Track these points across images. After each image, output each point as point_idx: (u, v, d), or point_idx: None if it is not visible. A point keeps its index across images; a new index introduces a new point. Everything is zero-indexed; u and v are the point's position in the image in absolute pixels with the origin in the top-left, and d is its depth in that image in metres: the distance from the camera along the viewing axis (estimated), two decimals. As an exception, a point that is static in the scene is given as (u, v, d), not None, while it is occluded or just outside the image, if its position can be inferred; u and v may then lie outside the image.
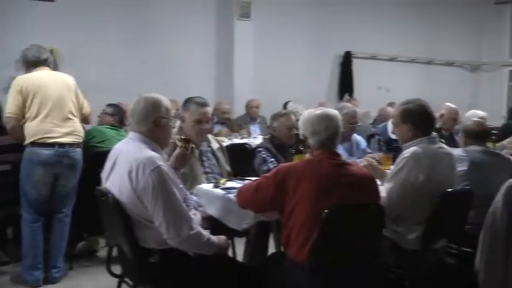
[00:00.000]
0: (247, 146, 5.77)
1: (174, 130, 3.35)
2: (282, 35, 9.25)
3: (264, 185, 2.76)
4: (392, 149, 4.30)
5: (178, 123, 3.82)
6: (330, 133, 2.82)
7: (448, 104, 6.21)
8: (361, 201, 2.74)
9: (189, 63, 8.48)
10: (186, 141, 3.16)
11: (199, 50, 8.60)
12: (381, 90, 10.28)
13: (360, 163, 3.56)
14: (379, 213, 2.79)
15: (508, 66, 11.95)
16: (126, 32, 7.97)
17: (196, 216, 2.85)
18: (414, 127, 3.25)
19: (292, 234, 2.71)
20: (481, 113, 6.16)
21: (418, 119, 3.25)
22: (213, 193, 3.31)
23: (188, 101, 3.85)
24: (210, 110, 3.88)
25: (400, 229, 3.19)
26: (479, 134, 4.13)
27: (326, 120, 2.83)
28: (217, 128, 7.22)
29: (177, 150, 3.13)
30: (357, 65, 10.07)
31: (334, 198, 2.64)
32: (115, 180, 2.73)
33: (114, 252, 3.05)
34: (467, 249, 3.54)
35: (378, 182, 3.40)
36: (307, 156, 2.99)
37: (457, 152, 3.81)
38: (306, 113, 2.95)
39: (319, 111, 2.90)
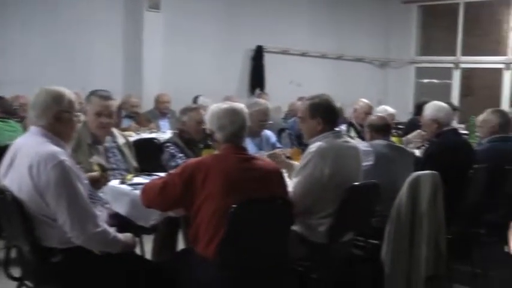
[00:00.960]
0: (155, 141, 5.72)
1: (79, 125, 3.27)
2: (192, 27, 9.19)
3: (171, 183, 2.77)
4: (303, 143, 4.42)
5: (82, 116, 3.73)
6: (236, 127, 2.87)
7: (363, 99, 6.45)
8: (269, 196, 2.81)
9: (95, 55, 8.24)
10: (102, 168, 3.16)
11: (106, 41, 8.37)
12: (292, 85, 10.50)
13: (264, 155, 3.66)
14: (286, 208, 2.88)
15: (414, 63, 12.55)
16: (30, 22, 7.62)
17: (102, 213, 2.82)
18: (323, 121, 3.35)
19: (200, 231, 2.74)
20: (390, 109, 6.47)
21: (326, 113, 3.37)
22: (119, 189, 3.27)
23: (91, 94, 3.79)
24: (113, 103, 3.82)
25: (309, 222, 3.31)
26: (383, 128, 4.34)
27: (232, 114, 2.89)
28: (126, 123, 7.10)
29: (93, 173, 3.11)
30: (268, 60, 10.20)
31: (241, 193, 2.69)
32: (14, 176, 2.64)
33: (13, 254, 2.94)
34: (374, 242, 3.72)
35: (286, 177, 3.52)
36: (216, 151, 3.02)
37: (362, 146, 3.97)
38: (212, 108, 2.99)
39: (225, 105, 2.95)
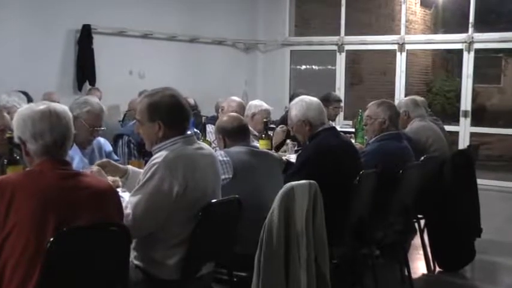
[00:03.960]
0: None
1: None
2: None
3: None
4: (146, 153, 4.44)
5: None
6: (57, 136, 2.85)
7: (233, 97, 6.54)
8: (99, 222, 2.82)
9: None
10: None
11: None
12: (132, 76, 10.52)
13: (87, 169, 3.66)
14: (122, 236, 2.90)
15: (288, 46, 12.98)
16: None
17: None
18: (165, 125, 3.40)
19: (6, 275, 2.66)
20: (264, 104, 6.58)
21: (169, 114, 3.42)
22: None
23: None
24: None
25: (154, 255, 3.35)
26: (241, 130, 4.43)
27: (52, 118, 2.87)
28: None
29: None
30: (99, 43, 10.08)
31: (62, 220, 2.67)
32: None
33: None
34: (241, 273, 3.85)
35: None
36: (26, 168, 2.98)
37: (219, 155, 4.06)
38: (22, 110, 2.94)
39: (41, 106, 2.91)
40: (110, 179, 3.73)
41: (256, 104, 6.52)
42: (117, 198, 3.04)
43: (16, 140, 2.94)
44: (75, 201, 2.76)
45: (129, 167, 3.96)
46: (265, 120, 6.02)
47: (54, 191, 2.72)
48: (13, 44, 9.15)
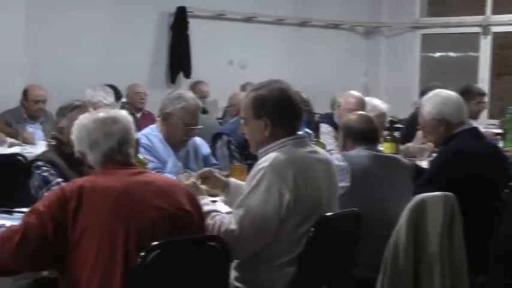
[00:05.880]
0: (20, 158, 5.69)
1: None
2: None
3: (35, 225, 2.82)
4: (249, 155, 4.50)
5: None
6: (114, 141, 3.09)
7: (351, 92, 6.49)
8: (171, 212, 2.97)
9: None
10: None
11: None
12: (233, 67, 10.64)
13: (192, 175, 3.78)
14: (222, 253, 2.98)
15: (419, 29, 12.71)
16: None
17: None
18: (272, 123, 3.44)
19: (83, 280, 2.82)
20: (381, 104, 6.51)
21: (277, 110, 3.45)
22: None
23: None
24: None
25: (261, 276, 3.39)
26: (366, 134, 4.42)
27: (106, 125, 3.11)
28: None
29: None
30: (195, 28, 10.27)
31: (132, 217, 2.86)
32: None
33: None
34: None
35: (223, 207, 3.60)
36: None
37: (335, 159, 4.04)
38: (78, 121, 3.22)
39: (98, 113, 3.20)
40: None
41: (371, 104, 6.45)
42: (186, 190, 3.22)
43: (77, 154, 3.20)
44: (142, 196, 2.94)
45: (231, 179, 4.02)
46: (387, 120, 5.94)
47: (120, 189, 2.92)
48: (99, 32, 9.50)
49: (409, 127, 6.95)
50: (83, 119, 3.20)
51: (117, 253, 2.79)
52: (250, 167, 3.69)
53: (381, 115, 6.27)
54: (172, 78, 10.19)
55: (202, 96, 8.88)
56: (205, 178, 3.91)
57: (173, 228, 2.93)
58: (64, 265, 2.87)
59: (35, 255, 2.85)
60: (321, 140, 5.80)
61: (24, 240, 2.82)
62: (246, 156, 5.16)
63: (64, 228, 2.81)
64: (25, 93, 7.75)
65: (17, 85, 7.99)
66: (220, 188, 3.96)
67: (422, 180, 4.49)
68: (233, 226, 3.24)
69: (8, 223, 3.47)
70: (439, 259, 3.76)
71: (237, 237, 3.20)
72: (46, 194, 3.05)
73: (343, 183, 4.00)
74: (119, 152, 3.09)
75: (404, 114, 8.29)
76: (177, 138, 4.86)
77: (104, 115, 3.18)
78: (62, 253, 2.84)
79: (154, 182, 3.06)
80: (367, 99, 6.48)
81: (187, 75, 10.18)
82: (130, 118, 3.23)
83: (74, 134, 3.20)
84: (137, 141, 3.28)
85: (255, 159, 3.53)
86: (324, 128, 6.34)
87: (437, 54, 12.94)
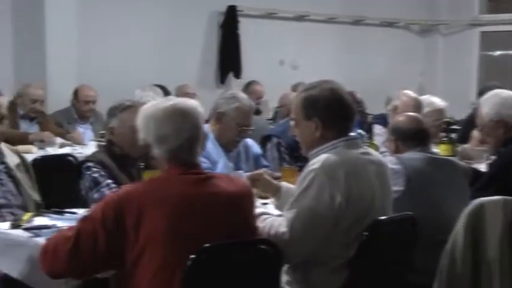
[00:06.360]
0: (70, 159, 5.76)
1: None
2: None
3: (87, 234, 2.85)
4: (299, 157, 4.47)
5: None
6: (184, 139, 2.99)
7: (406, 91, 6.43)
8: (242, 232, 2.95)
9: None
10: None
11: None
12: (284, 67, 10.62)
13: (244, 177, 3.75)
14: (273, 256, 2.99)
15: (478, 27, 12.58)
16: None
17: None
18: (323, 124, 3.42)
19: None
20: (439, 102, 6.43)
21: (328, 111, 3.43)
22: (10, 237, 3.31)
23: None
24: (2, 101, 3.90)
25: (312, 280, 3.37)
26: (416, 135, 4.38)
27: (177, 118, 3.00)
28: (23, 127, 7.20)
29: None
30: (245, 28, 10.29)
31: (195, 231, 2.84)
32: None
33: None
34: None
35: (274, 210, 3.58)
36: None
37: (389, 161, 3.99)
38: (146, 108, 3.10)
39: (166, 103, 3.06)
40: None
41: (427, 101, 6.37)
42: (253, 203, 3.18)
43: (141, 142, 3.11)
44: (206, 209, 2.91)
45: (283, 184, 3.98)
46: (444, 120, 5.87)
47: (183, 200, 2.88)
48: (148, 32, 9.59)
49: (466, 128, 6.87)
50: (151, 107, 3.08)
51: (176, 269, 2.77)
52: (301, 169, 3.65)
53: (438, 112, 6.23)
54: (222, 79, 10.22)
55: (258, 97, 8.91)
56: (256, 181, 3.89)
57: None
58: (121, 273, 2.88)
59: (84, 265, 2.87)
60: (374, 142, 5.76)
61: (74, 249, 2.84)
62: (296, 158, 5.16)
63: (121, 241, 2.81)
64: (75, 93, 7.88)
65: (68, 85, 8.08)
66: (271, 191, 3.94)
67: (480, 183, 4.45)
68: (283, 229, 3.22)
69: (59, 223, 3.51)
70: (499, 264, 3.71)
71: (287, 240, 3.19)
72: (102, 199, 3.01)
73: (397, 187, 3.96)
74: (188, 151, 3.00)
75: (462, 115, 8.19)
76: (229, 138, 4.88)
77: (174, 107, 3.03)
78: (118, 264, 2.85)
79: (221, 193, 2.98)
80: (424, 97, 6.44)
81: (237, 75, 10.20)
82: (200, 109, 3.10)
83: (140, 124, 3.07)
84: (205, 136, 3.20)
85: (305, 161, 3.51)
86: (378, 129, 6.30)
87: (497, 52, 12.79)
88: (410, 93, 6.42)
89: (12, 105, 6.73)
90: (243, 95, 5.11)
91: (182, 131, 2.97)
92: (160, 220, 2.78)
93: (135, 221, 2.79)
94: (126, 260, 2.82)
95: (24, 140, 6.54)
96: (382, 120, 6.51)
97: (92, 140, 7.10)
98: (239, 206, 3.01)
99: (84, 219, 2.93)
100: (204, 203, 2.89)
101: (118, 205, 2.83)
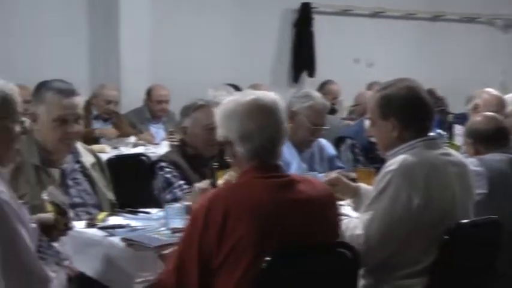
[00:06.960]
0: (143, 158, 5.86)
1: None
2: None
3: (188, 257, 2.84)
4: (375, 159, 4.47)
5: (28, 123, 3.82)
6: (267, 137, 2.96)
7: (488, 89, 6.35)
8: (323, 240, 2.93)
9: (44, 30, 8.48)
10: (59, 209, 3.09)
11: (60, 8, 8.62)
12: (360, 65, 10.59)
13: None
14: (351, 260, 2.97)
15: None
16: None
17: (58, 275, 2.88)
18: (400, 124, 3.40)
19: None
20: None
21: (405, 110, 3.41)
22: (85, 236, 3.38)
23: (43, 88, 3.91)
24: (80, 101, 3.96)
25: (392, 283, 3.35)
26: (498, 135, 4.33)
27: (260, 115, 2.96)
28: (97, 127, 7.38)
29: (46, 214, 3.11)
30: (320, 25, 10.28)
31: (280, 238, 2.81)
32: None
33: None
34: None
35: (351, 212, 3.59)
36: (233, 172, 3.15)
37: (470, 163, 3.89)
38: (228, 103, 3.03)
39: (248, 97, 3.00)
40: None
41: (511, 99, 6.28)
42: (337, 209, 3.14)
43: (221, 139, 3.05)
44: (292, 216, 2.88)
45: (361, 185, 3.93)
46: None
47: (269, 207, 2.85)
48: (221, 31, 9.66)
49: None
50: (232, 101, 3.01)
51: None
52: (377, 170, 3.64)
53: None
54: (295, 78, 10.22)
55: (333, 97, 8.87)
56: (333, 185, 3.80)
57: None
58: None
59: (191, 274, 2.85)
60: (456, 142, 5.69)
61: (181, 254, 2.87)
62: (371, 159, 5.14)
63: (208, 251, 2.80)
64: (149, 93, 8.03)
65: (141, 85, 8.24)
66: (350, 194, 3.89)
67: None
68: (359, 231, 3.22)
69: (133, 223, 3.58)
70: None
71: (363, 242, 3.18)
72: (180, 195, 3.02)
73: (480, 189, 3.89)
74: (271, 152, 2.97)
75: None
76: (302, 138, 4.88)
77: (257, 102, 2.96)
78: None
79: (306, 200, 2.94)
80: (508, 95, 6.35)
81: (311, 74, 10.19)
82: (281, 103, 3.04)
83: (221, 119, 3.00)
84: (287, 132, 3.10)
85: (381, 162, 3.50)
86: (458, 129, 6.22)
87: None
88: (492, 91, 6.33)
89: (88, 106, 6.90)
90: (316, 94, 5.10)
91: (266, 127, 2.93)
92: (247, 228, 2.77)
93: (219, 227, 2.77)
94: (212, 265, 2.82)
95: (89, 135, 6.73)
96: (463, 119, 6.43)
97: (164, 140, 7.19)
98: (323, 212, 2.99)
99: (183, 241, 2.92)
100: (289, 209, 2.87)
101: (205, 216, 2.80)
